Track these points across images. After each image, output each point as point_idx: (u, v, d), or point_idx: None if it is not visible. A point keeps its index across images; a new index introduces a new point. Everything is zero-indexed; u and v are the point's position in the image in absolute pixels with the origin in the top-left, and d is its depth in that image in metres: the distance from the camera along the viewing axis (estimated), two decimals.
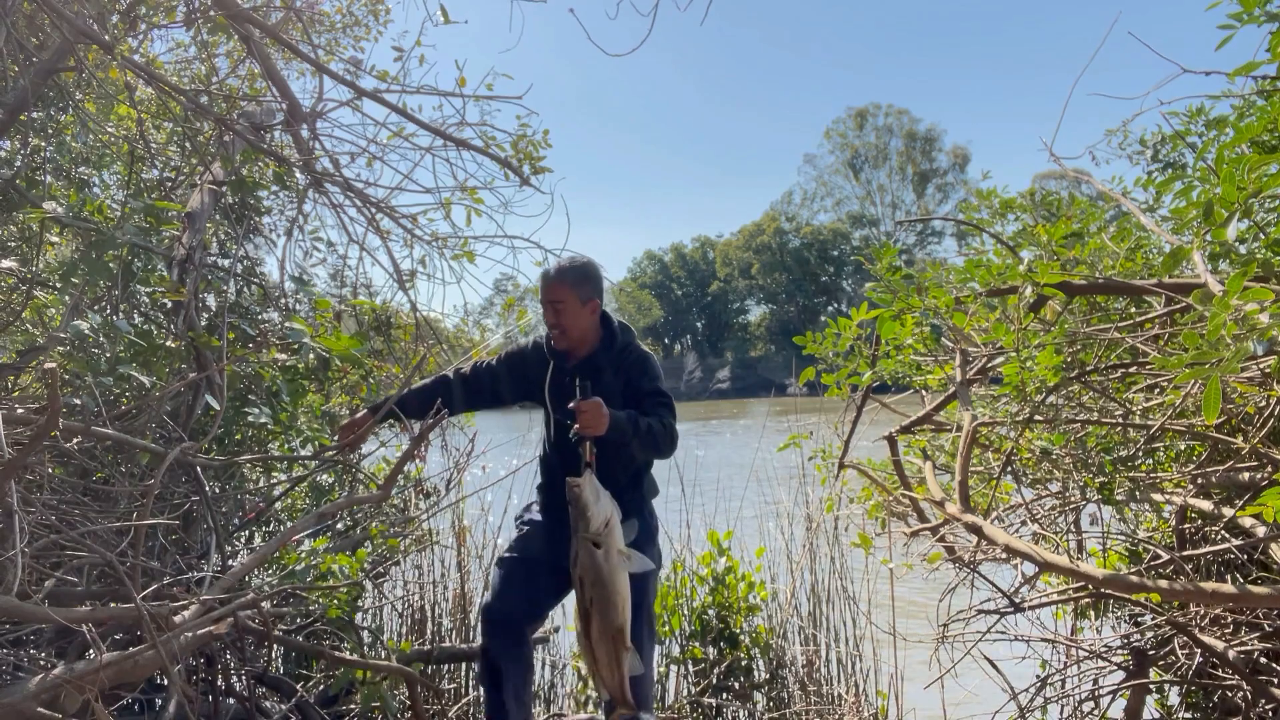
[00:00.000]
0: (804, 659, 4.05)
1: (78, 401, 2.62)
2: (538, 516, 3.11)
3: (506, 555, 3.02)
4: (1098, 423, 2.84)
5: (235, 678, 3.32)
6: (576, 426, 2.61)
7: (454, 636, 4.19)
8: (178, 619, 2.30)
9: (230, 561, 3.33)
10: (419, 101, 4.82)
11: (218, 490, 3.59)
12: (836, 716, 3.81)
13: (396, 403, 3.10)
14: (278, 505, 4.16)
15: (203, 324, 3.50)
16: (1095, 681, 3.17)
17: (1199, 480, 2.72)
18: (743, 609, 3.96)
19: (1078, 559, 2.38)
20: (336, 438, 3.17)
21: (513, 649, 2.86)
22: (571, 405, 2.63)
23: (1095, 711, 3.10)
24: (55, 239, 3.45)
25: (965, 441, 2.49)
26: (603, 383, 2.84)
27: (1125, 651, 3.11)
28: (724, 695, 3.91)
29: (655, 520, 3.09)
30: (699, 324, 73.36)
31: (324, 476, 4.12)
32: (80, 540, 2.55)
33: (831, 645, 4.09)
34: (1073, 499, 2.84)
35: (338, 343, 3.16)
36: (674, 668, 4.01)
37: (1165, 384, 2.71)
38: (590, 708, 3.93)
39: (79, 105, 3.70)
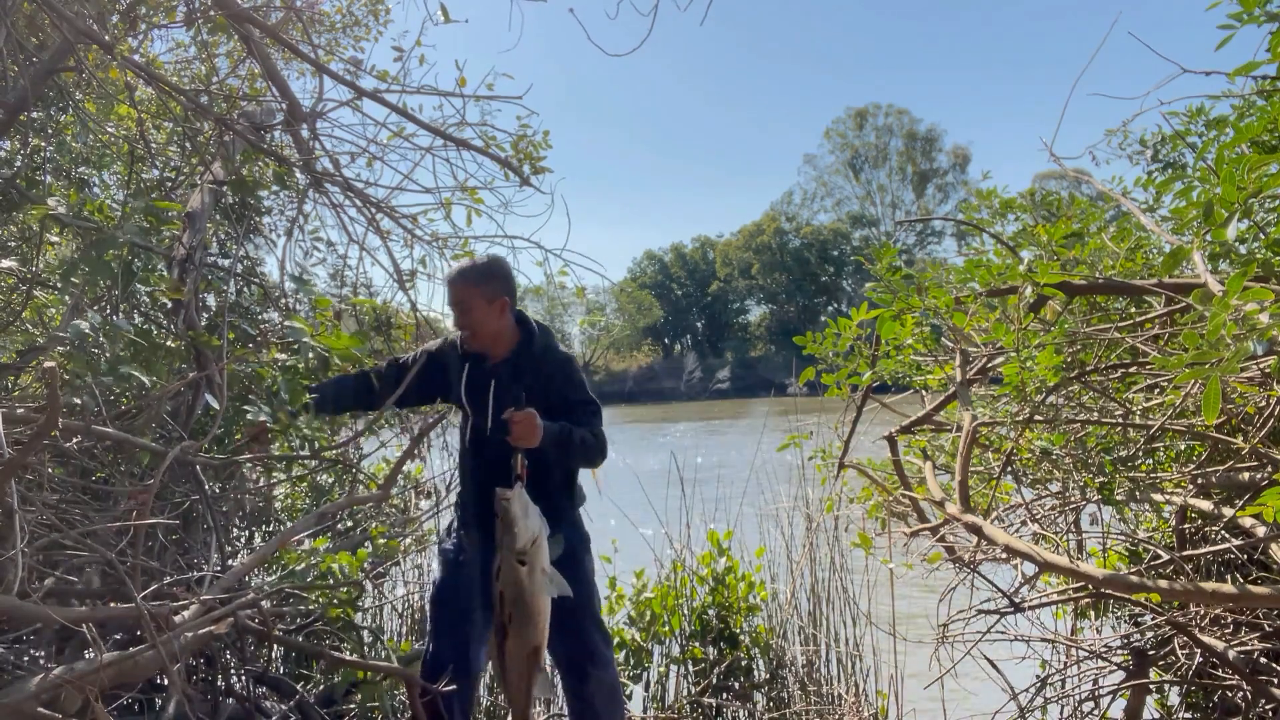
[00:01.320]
0: (804, 659, 4.05)
1: (78, 401, 2.62)
2: (458, 541, 2.97)
3: (435, 600, 2.92)
4: (1098, 423, 2.84)
5: (235, 678, 3.32)
6: (509, 438, 2.54)
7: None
8: (178, 619, 2.30)
9: (230, 562, 3.33)
10: (419, 101, 4.81)
11: (218, 490, 3.59)
12: (836, 716, 3.81)
13: (315, 392, 3.00)
14: (277, 505, 4.16)
15: (203, 324, 3.50)
16: (1095, 681, 3.17)
17: (1199, 480, 2.72)
18: (743, 609, 3.96)
19: (1078, 559, 2.38)
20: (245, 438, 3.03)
21: (458, 697, 2.77)
22: (505, 416, 2.55)
23: (1095, 711, 3.10)
24: (55, 239, 3.45)
25: (965, 441, 2.49)
26: (524, 384, 2.75)
27: (1125, 651, 3.11)
28: (724, 695, 3.91)
29: (584, 529, 3.01)
30: (699, 324, 73.33)
31: (324, 476, 4.12)
32: (80, 540, 2.55)
33: (831, 645, 4.08)
34: (1073, 499, 2.84)
35: (337, 341, 3.16)
36: (674, 668, 4.01)
37: (1165, 384, 2.71)
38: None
39: (79, 105, 3.70)
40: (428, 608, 2.93)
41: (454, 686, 2.70)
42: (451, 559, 2.95)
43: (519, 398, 2.59)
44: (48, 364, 1.78)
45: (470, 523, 2.92)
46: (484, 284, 2.82)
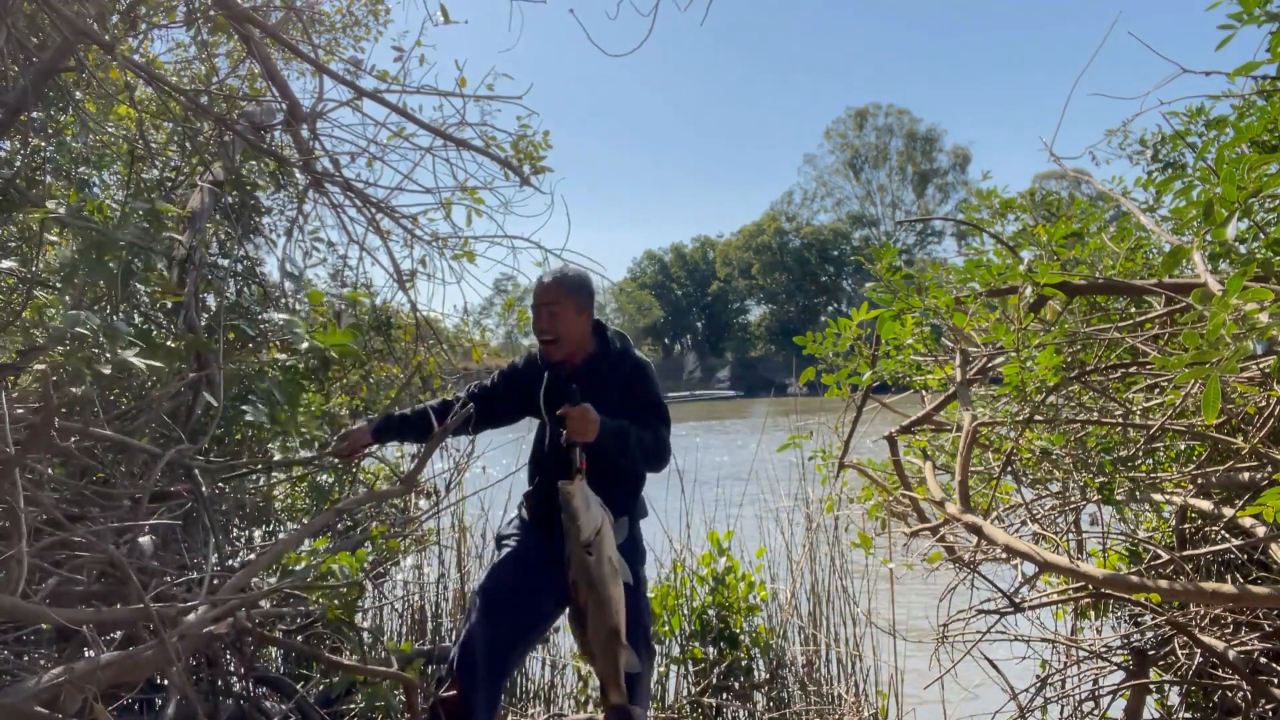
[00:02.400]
0: (804, 659, 4.05)
1: (77, 391, 2.62)
2: (521, 537, 2.98)
3: (485, 589, 2.87)
4: (1098, 423, 2.84)
5: (235, 678, 3.32)
6: (565, 433, 2.58)
7: (454, 636, 4.19)
8: (187, 619, 2.30)
9: (230, 562, 3.33)
10: (419, 101, 4.82)
11: (217, 490, 3.59)
12: (836, 716, 3.81)
13: (399, 421, 3.06)
14: (278, 505, 4.16)
15: (203, 324, 3.51)
16: (1095, 681, 3.17)
17: (1199, 480, 2.72)
18: (743, 609, 3.96)
19: (1078, 559, 2.38)
20: (334, 441, 3.09)
21: (487, 693, 2.72)
22: (560, 411, 2.59)
23: (1095, 711, 3.10)
24: (55, 239, 3.45)
25: (965, 441, 2.48)
26: (601, 390, 2.76)
27: (1125, 651, 3.11)
28: (724, 695, 3.91)
29: (643, 544, 3.02)
30: (699, 324, 73.32)
31: (324, 476, 4.12)
32: (84, 539, 2.55)
33: (831, 645, 4.08)
34: (1073, 499, 2.84)
35: (331, 336, 3.16)
36: (674, 668, 4.01)
37: (1165, 384, 2.71)
38: (590, 708, 3.93)
39: (79, 105, 3.70)
40: (473, 595, 2.92)
41: (472, 681, 2.68)
42: (511, 552, 2.95)
43: (574, 393, 2.61)
44: (38, 366, 1.78)
45: (541, 522, 2.95)
46: (576, 293, 2.87)
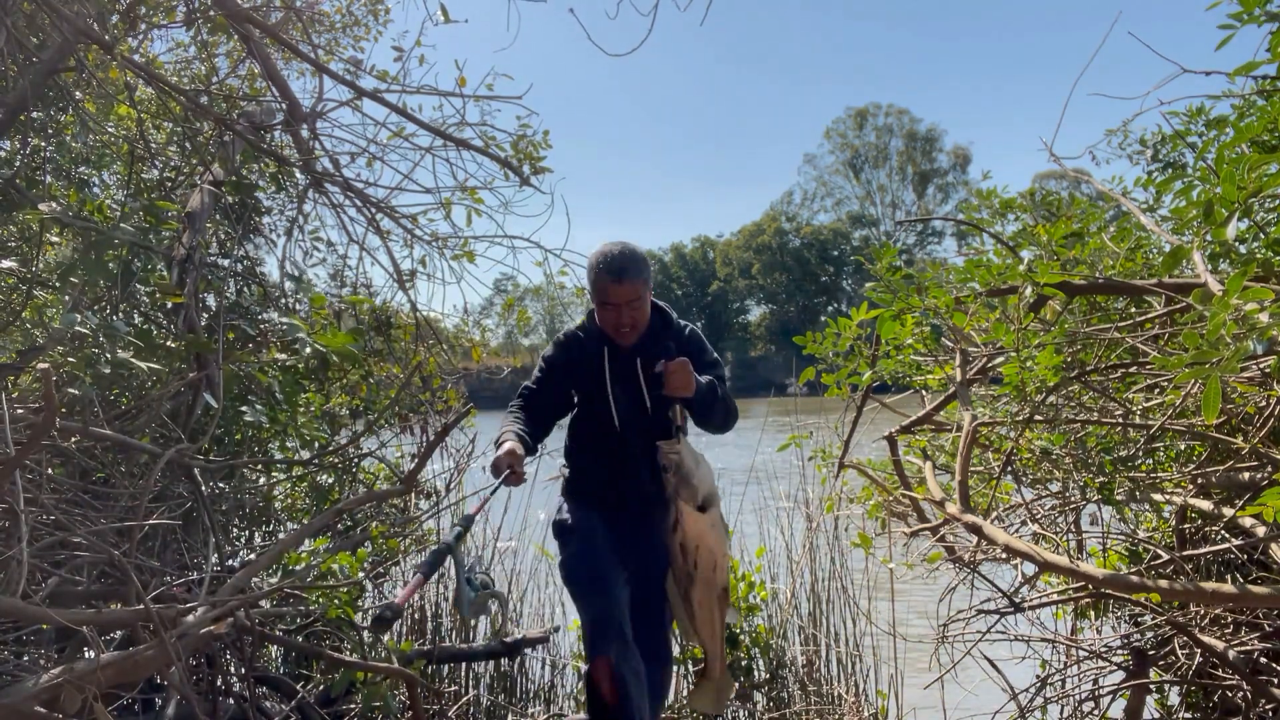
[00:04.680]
0: (804, 659, 4.04)
1: (75, 392, 2.62)
2: (585, 515, 2.85)
3: (577, 569, 2.76)
4: (1098, 423, 2.84)
5: (235, 678, 3.32)
6: (665, 388, 2.53)
7: (454, 636, 4.19)
8: (188, 619, 2.30)
9: (230, 562, 3.33)
10: (419, 101, 4.81)
11: (217, 490, 3.59)
12: (836, 716, 3.81)
13: (519, 438, 2.76)
14: (278, 505, 4.16)
15: (203, 324, 3.50)
16: (1095, 681, 3.17)
17: (1199, 480, 2.72)
18: (743, 609, 3.95)
19: (1078, 559, 2.38)
20: (494, 467, 2.65)
21: (631, 659, 2.63)
22: (659, 368, 2.54)
23: (1095, 711, 3.10)
24: (55, 239, 3.45)
25: (965, 441, 2.49)
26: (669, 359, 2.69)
27: (1125, 651, 3.11)
28: None
29: None
30: (699, 324, 73.25)
31: (323, 476, 4.12)
32: (84, 539, 2.55)
33: (831, 645, 4.08)
34: (1073, 499, 2.84)
35: (333, 339, 3.16)
36: (674, 668, 4.01)
37: (1165, 384, 2.71)
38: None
39: (79, 105, 3.70)
40: (568, 585, 2.81)
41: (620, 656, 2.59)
42: (583, 528, 2.83)
43: (669, 349, 2.60)
44: (41, 366, 1.78)
45: (610, 506, 2.85)
46: (649, 276, 2.74)
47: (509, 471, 2.59)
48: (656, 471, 2.62)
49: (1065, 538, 3.04)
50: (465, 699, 3.83)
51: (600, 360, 2.79)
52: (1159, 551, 2.70)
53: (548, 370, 2.92)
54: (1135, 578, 2.09)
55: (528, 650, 3.94)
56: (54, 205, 2.87)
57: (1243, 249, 2.40)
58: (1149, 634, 3.06)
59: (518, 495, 4.45)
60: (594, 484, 2.89)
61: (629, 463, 2.77)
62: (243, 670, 3.24)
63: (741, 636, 3.95)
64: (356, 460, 4.22)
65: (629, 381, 2.77)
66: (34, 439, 2.00)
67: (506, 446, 2.63)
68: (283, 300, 4.23)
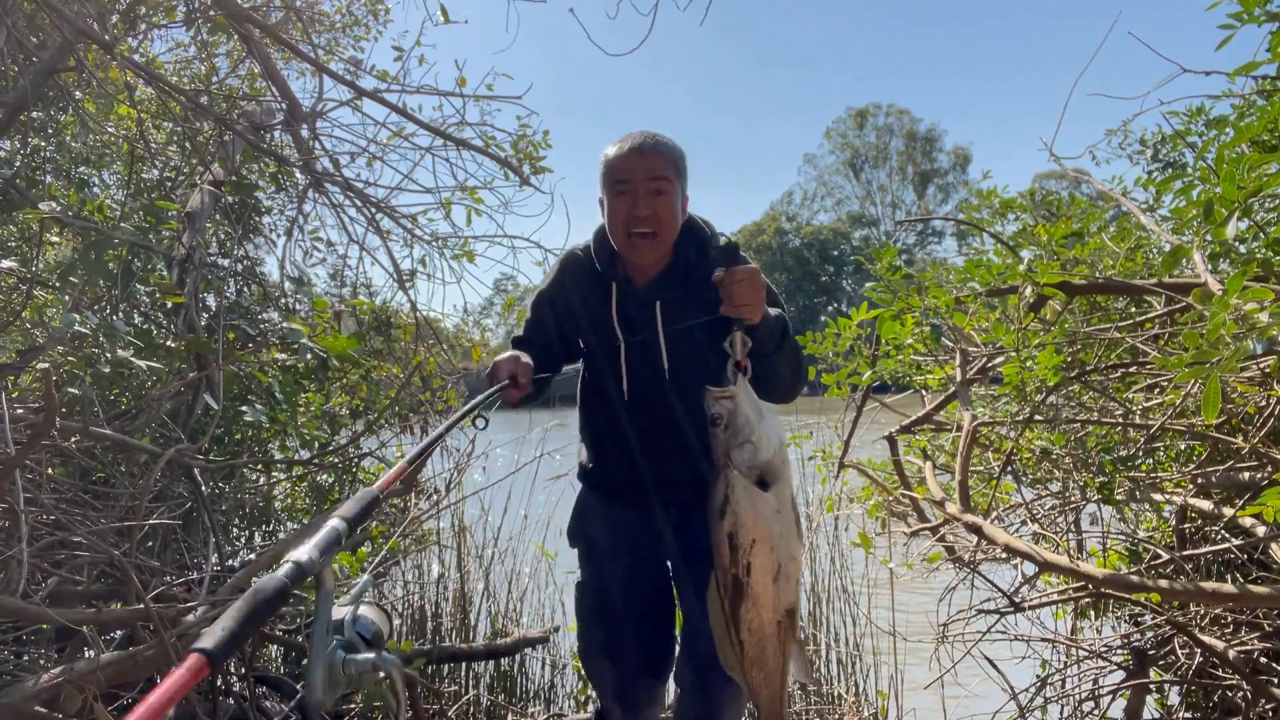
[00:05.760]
0: None
1: (76, 392, 2.62)
2: (607, 513, 2.29)
3: (592, 599, 2.28)
4: (1098, 423, 2.84)
5: (235, 678, 3.32)
6: (726, 304, 1.79)
7: (454, 636, 4.19)
8: (188, 619, 2.30)
9: (230, 562, 3.33)
10: (419, 101, 4.83)
11: (217, 490, 3.60)
12: (836, 716, 3.81)
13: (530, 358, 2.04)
14: (278, 505, 4.16)
15: (203, 324, 3.51)
16: (1095, 681, 3.17)
17: (1199, 480, 2.72)
18: None
19: (1078, 559, 2.38)
20: (493, 373, 1.96)
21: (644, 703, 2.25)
22: (717, 275, 1.78)
23: (1095, 711, 3.10)
24: (55, 239, 3.45)
25: (965, 441, 2.49)
26: (696, 310, 2.01)
27: (1125, 651, 3.11)
28: None
29: None
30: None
31: (323, 476, 4.12)
32: (82, 539, 2.55)
33: (831, 645, 4.08)
34: (1073, 499, 2.84)
35: (335, 342, 3.16)
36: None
37: (1165, 384, 2.71)
38: (590, 708, 3.92)
39: (79, 105, 3.70)
40: (580, 625, 2.32)
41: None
42: (594, 550, 2.31)
43: (735, 255, 1.84)
44: (41, 366, 1.78)
45: (625, 495, 2.25)
46: (683, 168, 2.06)
47: (509, 382, 1.91)
48: (690, 456, 2.03)
49: (1065, 538, 3.04)
50: (465, 699, 3.83)
51: (605, 299, 2.12)
52: (1159, 551, 2.70)
53: (537, 312, 2.25)
54: (1135, 578, 2.09)
55: (528, 650, 3.94)
56: (54, 205, 2.87)
57: (1243, 249, 2.40)
58: (1149, 634, 3.06)
59: (518, 494, 4.46)
60: (607, 471, 2.28)
61: (652, 444, 2.15)
62: (243, 670, 3.24)
63: None
64: (356, 460, 4.22)
65: (645, 332, 2.10)
66: (34, 439, 2.00)
67: (510, 353, 1.98)
68: (283, 300, 4.23)
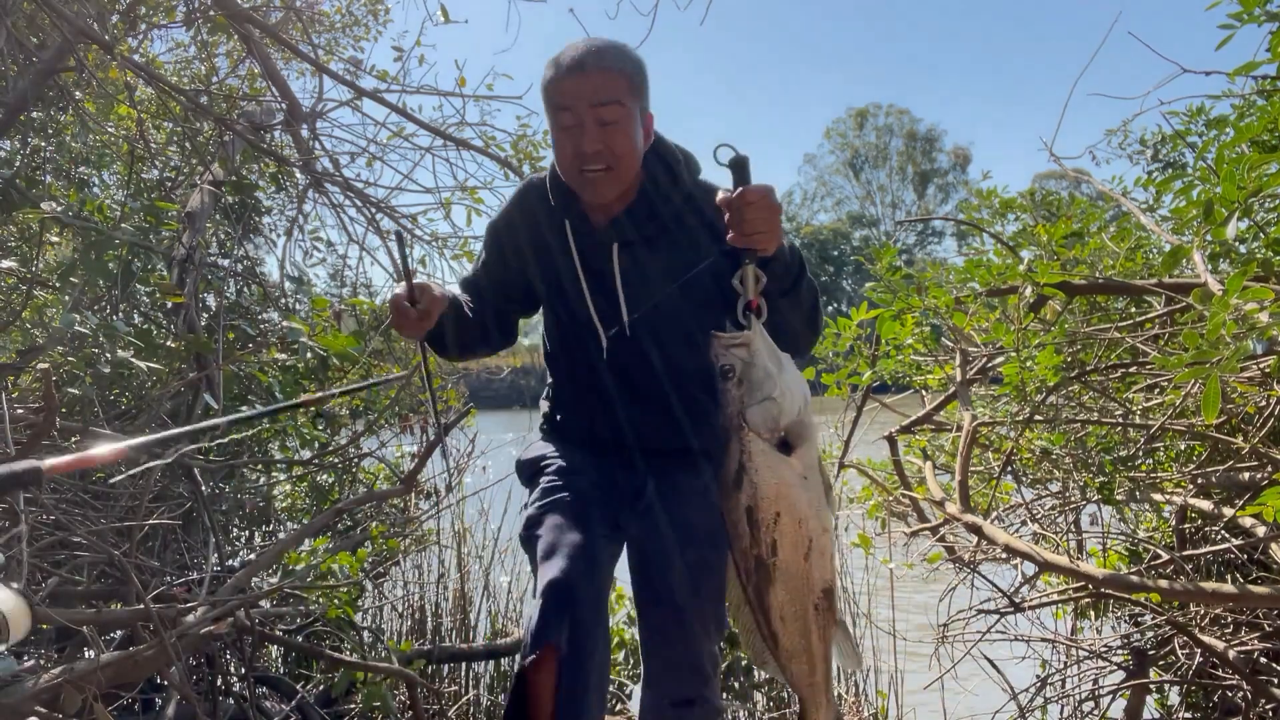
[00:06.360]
0: None
1: (76, 391, 2.62)
2: (574, 450, 1.94)
3: (549, 495, 1.83)
4: (1098, 423, 2.84)
5: (235, 678, 3.32)
6: (737, 230, 1.46)
7: (454, 636, 4.19)
8: (188, 619, 2.30)
9: (230, 562, 3.33)
10: (419, 101, 4.83)
11: (217, 490, 3.60)
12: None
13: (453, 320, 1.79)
14: (278, 505, 4.16)
15: (203, 324, 3.51)
16: (1095, 681, 3.17)
17: (1199, 480, 2.72)
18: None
19: (1078, 559, 2.38)
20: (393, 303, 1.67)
21: (595, 652, 1.70)
22: (723, 197, 1.48)
23: (1095, 711, 3.10)
24: (55, 239, 3.45)
25: (965, 441, 2.49)
26: (669, 250, 1.74)
27: (1125, 651, 3.11)
28: (724, 695, 3.91)
29: None
30: None
31: (323, 476, 4.13)
32: (82, 539, 2.55)
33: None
34: (1073, 499, 2.84)
35: (335, 342, 3.16)
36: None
37: (1165, 384, 2.71)
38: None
39: (79, 105, 3.70)
40: (524, 544, 1.85)
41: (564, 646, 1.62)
42: (557, 465, 1.91)
43: (679, 219, 1.61)
44: (41, 366, 1.78)
45: (605, 451, 1.92)
46: (640, 83, 1.70)
47: (406, 308, 1.60)
48: (671, 415, 1.79)
49: (1065, 538, 3.04)
50: (465, 699, 3.83)
51: (561, 238, 1.82)
52: (1159, 551, 2.70)
53: (488, 250, 1.94)
54: (1135, 578, 2.09)
55: None
56: (54, 205, 2.87)
57: (1243, 249, 2.40)
58: (1149, 634, 3.06)
59: (518, 493, 4.46)
60: (577, 428, 1.99)
61: (627, 403, 1.84)
62: (243, 670, 3.24)
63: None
64: (356, 460, 4.22)
65: (606, 277, 1.80)
66: (34, 439, 2.00)
67: (418, 282, 1.64)
68: (283, 300, 4.24)
